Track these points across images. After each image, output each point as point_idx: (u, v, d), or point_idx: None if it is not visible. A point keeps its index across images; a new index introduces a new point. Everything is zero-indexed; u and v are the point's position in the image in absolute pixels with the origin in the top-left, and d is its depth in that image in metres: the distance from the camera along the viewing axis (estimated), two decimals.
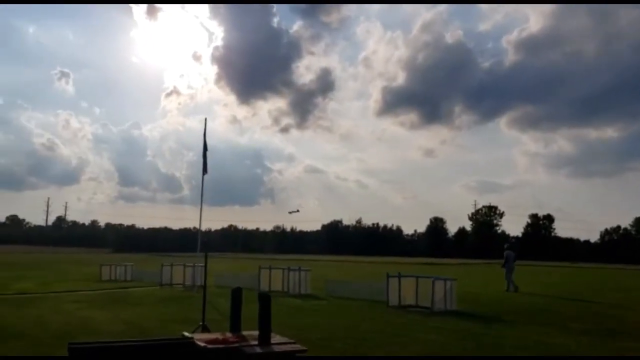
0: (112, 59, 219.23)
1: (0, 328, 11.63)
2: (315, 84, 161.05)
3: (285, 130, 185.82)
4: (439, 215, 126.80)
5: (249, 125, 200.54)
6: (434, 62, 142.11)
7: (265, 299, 6.07)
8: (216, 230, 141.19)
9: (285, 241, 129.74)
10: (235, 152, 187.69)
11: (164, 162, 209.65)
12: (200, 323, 9.35)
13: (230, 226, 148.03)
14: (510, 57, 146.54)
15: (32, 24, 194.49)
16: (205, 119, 26.82)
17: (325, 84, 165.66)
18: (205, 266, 9.55)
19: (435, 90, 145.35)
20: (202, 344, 5.73)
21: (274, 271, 22.22)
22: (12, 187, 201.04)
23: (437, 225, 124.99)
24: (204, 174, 24.77)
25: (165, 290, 22.99)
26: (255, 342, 5.99)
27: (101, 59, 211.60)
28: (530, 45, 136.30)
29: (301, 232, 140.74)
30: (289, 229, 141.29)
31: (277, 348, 5.90)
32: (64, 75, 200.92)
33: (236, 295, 6.65)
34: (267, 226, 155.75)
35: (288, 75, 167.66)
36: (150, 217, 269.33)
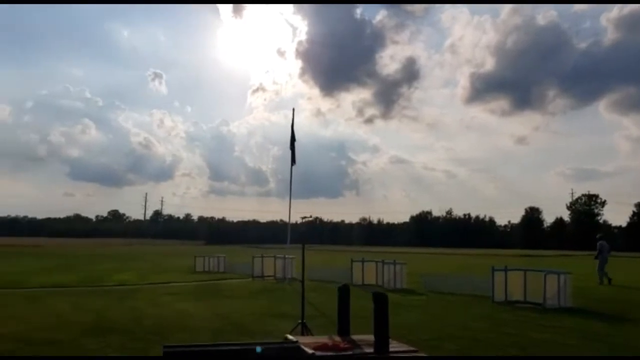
0: (201, 58, 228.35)
1: (100, 320, 11.51)
2: (399, 73, 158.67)
3: (369, 121, 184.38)
4: (534, 204, 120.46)
5: (333, 118, 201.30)
6: (525, 46, 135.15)
7: (381, 300, 5.11)
8: (302, 223, 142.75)
9: (372, 233, 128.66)
10: (320, 145, 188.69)
11: (251, 156, 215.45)
12: (299, 321, 8.52)
13: (316, 218, 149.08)
14: (610, 36, 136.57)
15: (125, 28, 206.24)
16: (293, 109, 25.96)
17: (410, 72, 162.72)
18: (303, 260, 8.72)
19: (527, 75, 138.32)
20: (310, 350, 4.86)
21: (367, 264, 21.26)
22: (112, 183, 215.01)
23: (532, 215, 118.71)
24: (292, 165, 24.30)
25: (257, 282, 22.73)
26: (371, 350, 5.05)
27: (190, 58, 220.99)
28: (632, 22, 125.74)
29: (388, 224, 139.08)
30: (375, 221, 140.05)
31: (396, 356, 4.93)
32: (157, 76, 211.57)
33: (344, 293, 5.77)
34: (352, 218, 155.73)
35: (372, 65, 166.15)
36: (240, 210, 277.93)
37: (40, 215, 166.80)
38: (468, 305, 15.25)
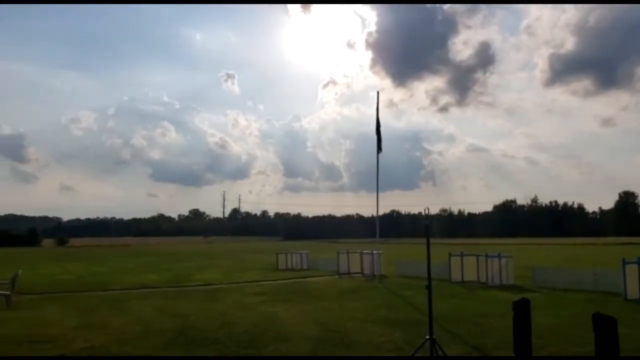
0: (271, 56, 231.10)
1: (186, 328, 10.41)
2: (474, 58, 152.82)
3: (444, 109, 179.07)
4: (627, 189, 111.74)
5: (406, 108, 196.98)
6: (609, 22, 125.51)
7: (522, 308, 3.37)
8: (380, 216, 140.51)
9: (452, 224, 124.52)
10: (393, 137, 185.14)
11: (324, 152, 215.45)
12: (427, 337, 6.81)
13: (393, 211, 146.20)
14: None
15: (198, 31, 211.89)
16: (378, 92, 24.70)
17: (485, 57, 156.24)
18: (428, 253, 7.02)
19: (612, 53, 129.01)
20: None
21: (466, 259, 19.25)
22: (192, 183, 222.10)
23: (627, 200, 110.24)
24: (378, 152, 22.69)
25: (345, 280, 21.28)
26: None
27: (261, 57, 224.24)
28: None
29: (470, 214, 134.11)
30: (456, 212, 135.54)
31: None
32: (229, 76, 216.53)
33: (521, 309, 4.07)
34: (430, 210, 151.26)
35: (444, 52, 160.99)
36: (314, 206, 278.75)
37: (127, 216, 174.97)
38: (598, 304, 13.01)
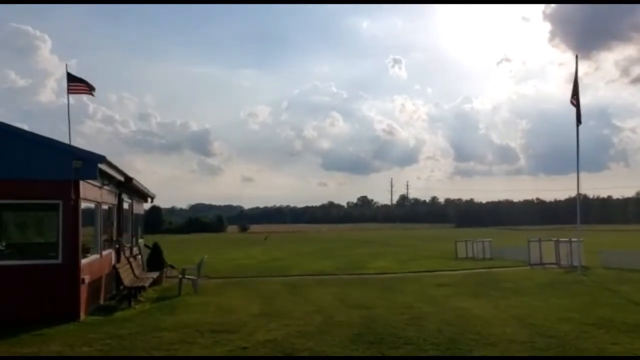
0: (439, 38, 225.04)
1: (370, 322, 9.40)
2: None
3: (637, 80, 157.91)
4: None
5: (591, 82, 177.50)
6: None
7: None
8: (562, 200, 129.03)
9: None
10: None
11: (498, 133, 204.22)
12: None
13: (579, 194, 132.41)
14: None
15: (364, 19, 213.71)
16: (577, 56, 21.71)
17: None
18: None
19: None
20: None
21: None
22: (360, 171, 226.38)
23: None
24: (578, 125, 19.57)
25: (539, 271, 18.76)
26: None
27: (428, 39, 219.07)
28: None
29: None
30: None
31: None
32: (396, 62, 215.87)
33: None
34: (623, 192, 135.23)
35: (638, 17, 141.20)
36: (488, 191, 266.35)
37: (300, 204, 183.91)
38: None
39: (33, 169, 9.75)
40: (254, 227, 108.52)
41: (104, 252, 12.75)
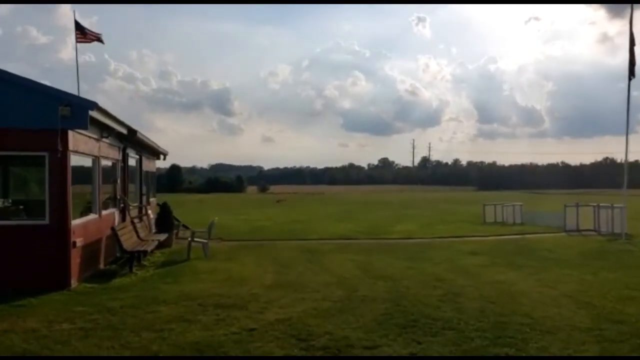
0: None
1: (399, 299, 8.19)
2: None
3: None
4: None
5: (624, 42, 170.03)
6: None
7: None
8: (587, 164, 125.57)
9: None
10: (607, 76, 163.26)
11: (523, 95, 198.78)
12: None
13: (606, 158, 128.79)
14: None
15: None
16: (632, 3, 19.59)
17: None
18: None
19: None
20: None
21: None
22: (381, 132, 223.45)
23: None
24: (630, 79, 17.75)
25: (577, 239, 17.31)
26: None
27: None
28: None
29: None
30: None
31: None
32: (420, 20, 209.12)
33: None
34: None
35: None
36: (511, 153, 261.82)
37: (320, 165, 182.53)
38: None
39: (14, 116, 8.55)
40: (273, 188, 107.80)
41: (105, 212, 11.68)
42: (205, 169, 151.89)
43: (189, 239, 12.93)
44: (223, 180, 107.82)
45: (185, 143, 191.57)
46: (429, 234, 19.39)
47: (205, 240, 12.98)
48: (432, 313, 7.04)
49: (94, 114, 9.05)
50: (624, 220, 18.15)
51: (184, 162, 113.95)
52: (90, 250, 10.14)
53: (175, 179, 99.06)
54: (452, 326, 6.38)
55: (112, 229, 10.59)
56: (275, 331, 6.11)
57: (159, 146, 18.90)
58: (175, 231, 15.48)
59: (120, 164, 13.35)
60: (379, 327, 6.38)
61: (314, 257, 13.05)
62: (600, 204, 19.31)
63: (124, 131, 11.98)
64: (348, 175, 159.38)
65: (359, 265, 11.62)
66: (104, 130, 10.97)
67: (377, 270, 10.97)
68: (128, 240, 11.00)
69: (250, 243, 16.26)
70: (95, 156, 10.81)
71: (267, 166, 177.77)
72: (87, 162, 10.35)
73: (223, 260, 12.22)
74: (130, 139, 13.27)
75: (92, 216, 10.53)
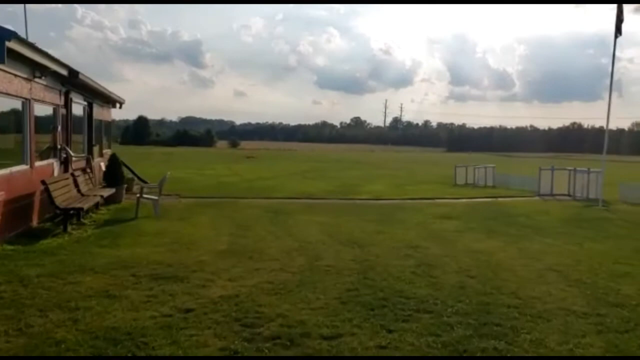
0: None
1: (368, 270, 7.23)
2: None
3: None
4: None
5: (596, 9, 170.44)
6: None
7: None
8: (554, 129, 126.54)
9: None
10: (575, 40, 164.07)
11: (495, 58, 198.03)
12: None
13: (573, 124, 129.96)
14: None
15: None
16: None
17: None
18: None
19: None
20: None
21: None
22: (355, 91, 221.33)
23: None
24: (616, 37, 16.73)
25: (552, 204, 16.67)
26: None
27: None
28: None
29: None
30: None
31: None
32: None
33: None
34: (617, 123, 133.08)
35: None
36: (481, 116, 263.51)
37: (293, 122, 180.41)
38: None
39: None
40: (244, 144, 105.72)
41: (41, 163, 10.32)
42: (175, 122, 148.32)
43: (138, 195, 11.67)
44: (192, 134, 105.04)
45: (155, 95, 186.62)
46: (400, 194, 18.53)
47: (155, 197, 11.74)
48: (405, 289, 6.07)
49: (16, 47, 7.59)
50: (599, 185, 17.58)
51: (153, 115, 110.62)
52: (18, 207, 8.84)
53: (142, 132, 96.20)
54: (428, 307, 5.41)
55: (43, 182, 9.24)
56: (216, 313, 5.02)
57: (112, 93, 17.30)
58: (125, 185, 14.17)
59: (61, 110, 11.88)
60: (343, 307, 5.37)
61: (278, 218, 12.00)
62: (577, 169, 18.65)
63: (64, 72, 10.51)
64: (321, 133, 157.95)
65: (325, 229, 10.62)
66: (36, 68, 9.50)
67: (345, 234, 9.99)
68: (62, 196, 9.68)
69: (210, 201, 15.10)
70: (26, 99, 9.36)
71: (239, 121, 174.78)
72: (8, 101, 8.88)
73: (175, 220, 11.05)
74: (73, 82, 11.77)
75: (20, 167, 9.17)
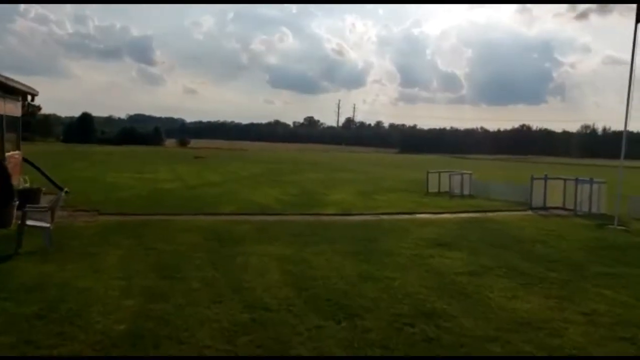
0: None
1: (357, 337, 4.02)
2: None
3: (582, 16, 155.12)
4: None
5: (540, 14, 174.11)
6: None
7: None
8: (505, 131, 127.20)
9: (595, 144, 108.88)
10: (520, 45, 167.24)
11: (444, 60, 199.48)
12: None
13: (522, 126, 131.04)
14: None
15: None
16: None
17: None
18: None
19: None
20: None
21: None
22: (308, 90, 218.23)
23: None
24: (637, 24, 14.20)
25: (556, 221, 13.95)
26: None
27: None
28: None
29: (616, 132, 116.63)
30: (600, 129, 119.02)
31: None
32: None
33: None
34: (562, 126, 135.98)
35: None
36: (431, 118, 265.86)
37: (245, 120, 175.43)
38: None
39: None
40: (194, 142, 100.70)
41: None
42: (123, 120, 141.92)
43: (19, 222, 8.14)
44: (140, 132, 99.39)
45: (103, 92, 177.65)
46: (371, 207, 15.54)
47: (46, 225, 8.21)
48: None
49: None
50: (602, 196, 15.20)
51: (101, 112, 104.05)
52: None
53: (86, 129, 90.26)
54: None
55: None
56: None
57: (17, 82, 13.72)
58: (17, 202, 10.50)
59: None
60: None
61: (222, 251, 8.72)
62: (579, 178, 16.09)
63: None
64: (274, 132, 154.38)
65: (288, 272, 7.40)
66: None
67: (318, 284, 6.80)
68: None
69: (136, 219, 11.66)
70: None
71: (189, 119, 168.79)
72: None
73: (71, 258, 7.59)
74: None
75: None
